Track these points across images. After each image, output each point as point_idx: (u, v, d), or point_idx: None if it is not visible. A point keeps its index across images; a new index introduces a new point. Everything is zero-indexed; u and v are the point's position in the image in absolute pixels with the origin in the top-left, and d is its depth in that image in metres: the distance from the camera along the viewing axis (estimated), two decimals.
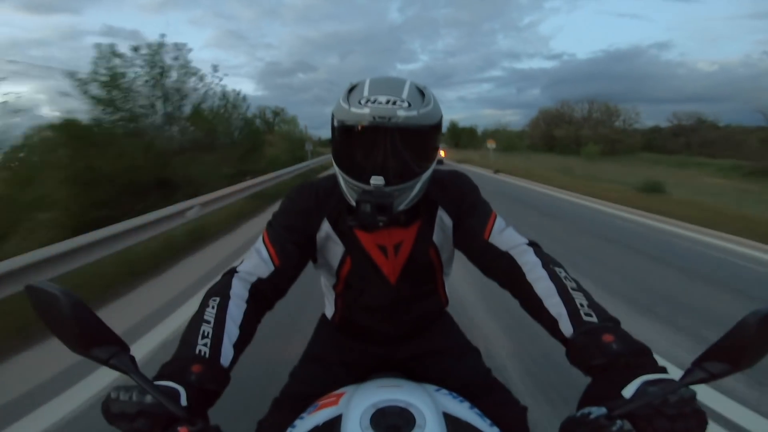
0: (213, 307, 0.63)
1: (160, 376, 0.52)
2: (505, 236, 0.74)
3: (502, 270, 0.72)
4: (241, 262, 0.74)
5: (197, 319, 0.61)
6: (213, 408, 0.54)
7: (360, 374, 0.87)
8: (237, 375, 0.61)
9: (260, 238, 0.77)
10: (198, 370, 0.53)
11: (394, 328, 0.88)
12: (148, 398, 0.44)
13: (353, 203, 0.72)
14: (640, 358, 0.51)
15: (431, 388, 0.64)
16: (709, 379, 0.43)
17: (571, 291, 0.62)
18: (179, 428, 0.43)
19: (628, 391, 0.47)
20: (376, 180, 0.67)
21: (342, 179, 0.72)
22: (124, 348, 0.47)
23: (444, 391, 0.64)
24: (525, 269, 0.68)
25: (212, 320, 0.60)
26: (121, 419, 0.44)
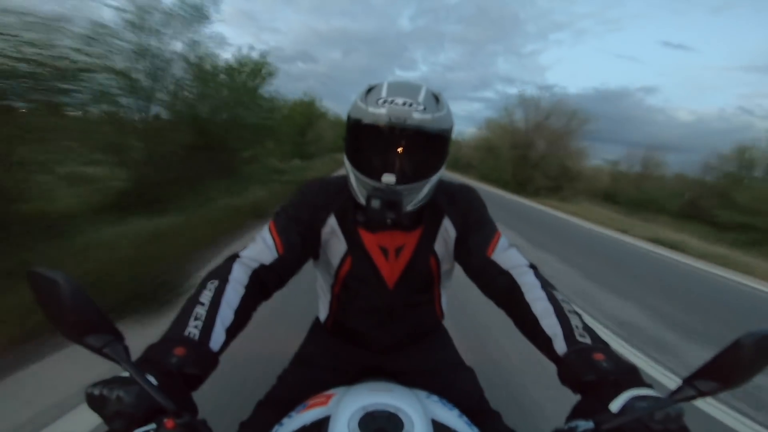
0: (210, 290, 0.63)
1: (144, 359, 0.52)
2: (508, 256, 0.75)
3: (502, 288, 0.72)
4: (245, 249, 0.74)
5: (192, 300, 0.61)
6: (201, 404, 0.54)
7: (349, 382, 0.87)
8: (231, 372, 0.60)
9: (266, 227, 0.78)
10: (181, 353, 0.52)
11: (388, 336, 0.88)
12: (134, 390, 0.44)
13: (362, 200, 0.74)
14: (629, 376, 0.52)
15: (422, 394, 0.63)
16: (698, 396, 0.43)
17: (567, 313, 0.63)
18: (165, 420, 0.43)
19: (616, 406, 0.47)
20: (388, 177, 0.69)
21: (353, 176, 0.74)
22: (119, 337, 0.47)
23: (434, 398, 0.64)
24: (524, 289, 0.69)
25: (207, 303, 0.60)
26: (106, 413, 0.44)
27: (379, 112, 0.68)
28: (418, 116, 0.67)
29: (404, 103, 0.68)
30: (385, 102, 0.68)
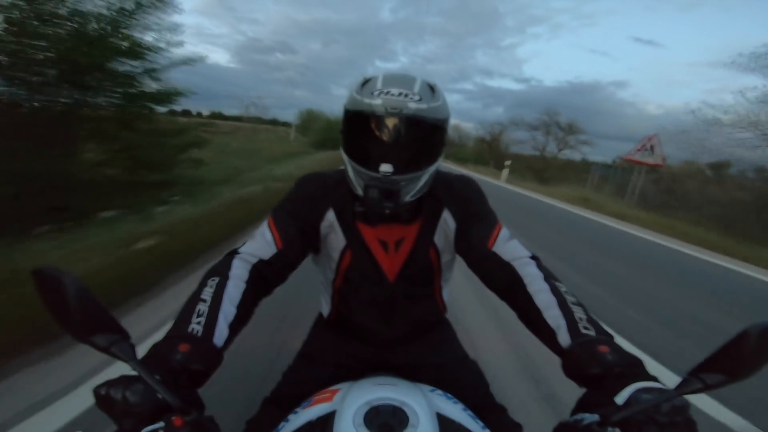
0: (211, 287, 0.63)
1: (149, 356, 0.52)
2: (509, 247, 0.75)
3: (503, 280, 0.72)
4: (244, 245, 0.74)
5: (194, 297, 0.61)
6: (209, 401, 0.54)
7: (353, 377, 0.87)
8: (236, 370, 0.61)
9: (265, 223, 0.77)
10: (185, 350, 0.52)
11: (391, 330, 0.87)
12: (140, 389, 0.44)
13: (360, 192, 0.73)
14: (634, 369, 0.52)
15: (426, 388, 0.64)
16: (704, 389, 0.43)
17: (570, 305, 0.62)
18: (173, 418, 0.43)
19: (621, 398, 0.47)
20: (385, 167, 0.69)
21: (350, 168, 0.74)
22: (125, 336, 0.47)
23: (439, 391, 0.64)
24: (526, 281, 0.68)
25: (209, 299, 0.60)
26: (114, 412, 0.44)
27: (375, 102, 0.68)
28: (414, 106, 0.67)
29: (400, 94, 0.68)
30: (380, 93, 0.68)
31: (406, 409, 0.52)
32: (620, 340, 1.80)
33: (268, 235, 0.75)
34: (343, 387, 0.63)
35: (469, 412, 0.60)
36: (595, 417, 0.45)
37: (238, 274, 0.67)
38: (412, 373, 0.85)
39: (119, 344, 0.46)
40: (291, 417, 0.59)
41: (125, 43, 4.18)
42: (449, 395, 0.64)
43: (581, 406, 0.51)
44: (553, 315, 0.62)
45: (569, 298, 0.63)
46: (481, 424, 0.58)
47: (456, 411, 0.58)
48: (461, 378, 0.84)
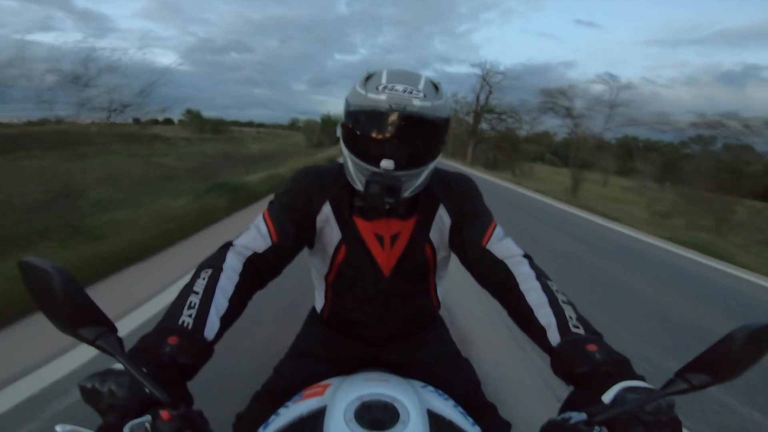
0: (204, 279, 0.62)
1: (137, 350, 0.51)
2: (503, 245, 0.75)
3: (496, 277, 0.72)
4: (238, 237, 0.74)
5: (186, 289, 0.61)
6: (198, 396, 0.54)
7: (345, 373, 0.87)
8: (227, 364, 0.60)
9: (260, 216, 0.77)
10: (174, 342, 0.51)
11: (384, 326, 0.88)
12: (126, 383, 0.44)
13: (360, 187, 0.73)
14: (621, 367, 0.52)
15: (417, 384, 0.64)
16: (689, 390, 0.43)
17: (561, 303, 0.63)
18: (161, 412, 0.43)
19: (608, 397, 0.48)
20: (387, 163, 0.69)
21: (351, 163, 0.74)
22: (112, 328, 0.46)
23: (430, 388, 0.64)
24: (519, 279, 0.69)
25: (201, 291, 0.60)
26: (99, 406, 0.44)
27: (378, 98, 0.68)
28: (418, 103, 0.67)
29: (404, 90, 0.68)
30: (385, 88, 0.68)
31: (396, 405, 0.52)
32: None
33: (264, 228, 0.74)
34: (334, 382, 0.63)
35: (460, 409, 0.60)
36: (583, 416, 0.45)
37: (232, 266, 0.67)
38: (404, 370, 0.85)
39: (106, 337, 0.45)
40: (281, 411, 0.59)
41: None
42: (440, 392, 0.64)
43: (569, 404, 0.52)
44: (543, 313, 0.62)
45: (560, 297, 0.64)
46: (471, 421, 0.59)
47: (447, 408, 0.58)
48: (453, 375, 0.85)
